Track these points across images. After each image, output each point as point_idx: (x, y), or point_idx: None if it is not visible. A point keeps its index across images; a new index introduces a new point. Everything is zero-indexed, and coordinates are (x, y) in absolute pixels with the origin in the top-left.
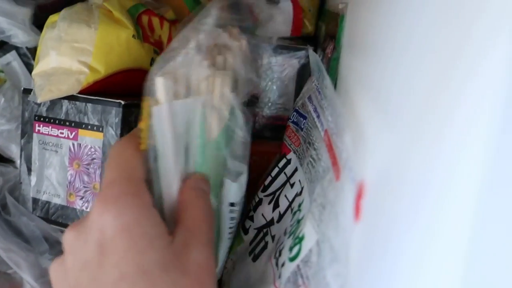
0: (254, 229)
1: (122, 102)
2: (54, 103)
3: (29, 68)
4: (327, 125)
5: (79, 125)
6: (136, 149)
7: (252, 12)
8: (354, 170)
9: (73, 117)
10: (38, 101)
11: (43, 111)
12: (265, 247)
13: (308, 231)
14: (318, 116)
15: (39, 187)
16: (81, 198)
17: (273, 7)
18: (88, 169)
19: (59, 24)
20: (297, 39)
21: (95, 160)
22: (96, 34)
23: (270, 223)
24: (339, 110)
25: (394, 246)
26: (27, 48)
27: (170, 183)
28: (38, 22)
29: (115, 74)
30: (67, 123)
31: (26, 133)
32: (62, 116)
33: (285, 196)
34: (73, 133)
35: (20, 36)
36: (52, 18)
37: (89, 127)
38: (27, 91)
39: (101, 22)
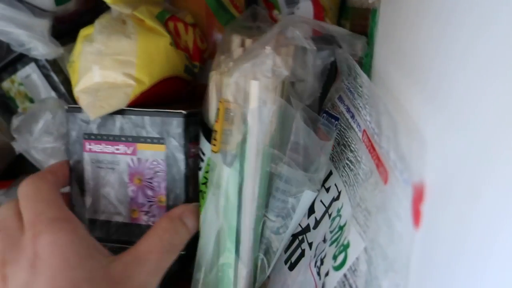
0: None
1: (184, 112)
2: (105, 119)
3: (49, 80)
4: (365, 125)
5: (136, 139)
6: (52, 186)
7: (271, 16)
8: (407, 172)
9: (129, 132)
10: (92, 119)
11: (93, 128)
12: (302, 255)
13: (354, 238)
14: (352, 117)
15: (96, 207)
16: (146, 213)
17: (292, 8)
18: (151, 183)
19: (97, 38)
20: (319, 39)
21: (158, 173)
22: (137, 44)
23: (306, 229)
24: (381, 109)
25: (459, 256)
26: (46, 60)
27: (252, 184)
28: (55, 34)
29: (156, 84)
30: (123, 139)
31: (75, 153)
32: (117, 132)
33: (321, 201)
34: (131, 148)
35: (40, 48)
36: (84, 31)
37: (149, 140)
38: (73, 110)
39: (139, 32)
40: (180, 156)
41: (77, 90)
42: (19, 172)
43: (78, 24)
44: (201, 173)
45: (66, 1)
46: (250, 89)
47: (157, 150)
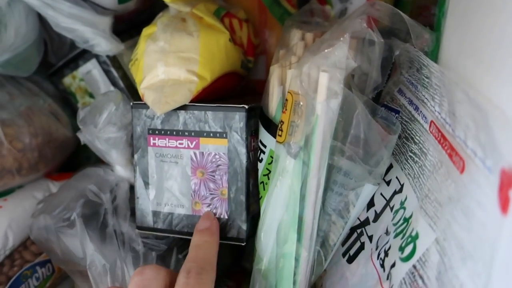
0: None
1: (246, 107)
2: (169, 115)
3: (109, 75)
4: (434, 116)
5: (199, 134)
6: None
7: (323, 11)
8: (490, 160)
9: (192, 127)
10: (158, 115)
11: (157, 124)
12: (361, 247)
13: (423, 229)
14: (416, 109)
15: (160, 200)
16: (208, 205)
17: (345, 3)
18: (213, 176)
19: (160, 36)
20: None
21: (220, 167)
22: (199, 41)
23: (365, 223)
24: (459, 97)
25: None
26: (106, 56)
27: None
28: (114, 32)
29: (217, 79)
30: (186, 133)
31: (139, 147)
32: (180, 127)
33: (381, 194)
34: (194, 143)
35: (103, 45)
36: (147, 30)
37: (211, 134)
38: (137, 106)
39: (200, 30)
40: (242, 150)
41: (142, 87)
42: (77, 165)
43: (134, 22)
44: (262, 164)
45: (128, 0)
46: (319, 80)
47: (220, 144)
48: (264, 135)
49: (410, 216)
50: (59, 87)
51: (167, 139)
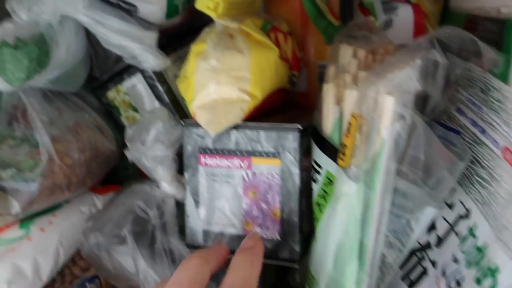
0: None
1: (300, 127)
2: (221, 134)
3: (154, 90)
4: (509, 142)
5: (252, 153)
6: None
7: (367, 23)
8: None
9: (245, 146)
10: (212, 135)
11: (208, 143)
12: (424, 273)
13: (504, 263)
14: (482, 131)
15: (210, 219)
16: (260, 226)
17: (390, 14)
18: (266, 196)
19: (211, 54)
20: None
21: (273, 187)
22: (250, 59)
23: (426, 246)
24: None
25: None
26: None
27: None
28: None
29: (267, 97)
30: (238, 153)
31: (190, 166)
32: (232, 146)
33: (443, 217)
34: (246, 162)
35: (150, 60)
36: (196, 47)
37: (264, 154)
38: (188, 125)
39: (250, 47)
40: (295, 170)
41: (194, 106)
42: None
43: (175, 35)
44: (317, 186)
45: (175, 15)
46: (386, 104)
47: (272, 164)
48: (319, 156)
49: (485, 247)
50: (102, 100)
51: (218, 158)
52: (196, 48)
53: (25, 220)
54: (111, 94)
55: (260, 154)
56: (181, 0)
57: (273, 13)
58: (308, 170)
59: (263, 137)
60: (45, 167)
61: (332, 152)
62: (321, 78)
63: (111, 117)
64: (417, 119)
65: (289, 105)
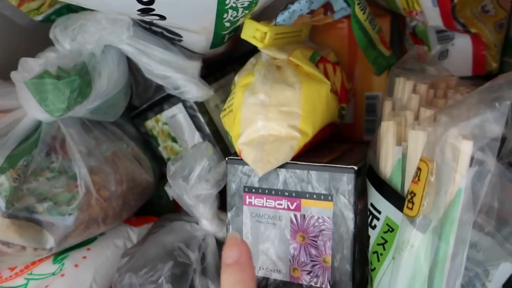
0: None
1: (355, 168)
2: (268, 173)
3: (194, 120)
4: None
5: (301, 194)
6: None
7: (420, 52)
8: None
9: (294, 187)
10: (259, 175)
11: (254, 181)
12: None
13: None
14: None
15: (254, 263)
16: (308, 273)
17: (446, 44)
18: (315, 241)
19: (259, 87)
20: (478, 79)
21: (324, 232)
22: (301, 94)
23: None
24: None
25: None
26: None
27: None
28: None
29: (317, 133)
30: (286, 193)
31: (234, 205)
32: (280, 186)
33: None
34: (295, 204)
35: (193, 91)
36: (243, 80)
37: (315, 196)
38: (233, 161)
39: (302, 81)
40: (350, 215)
41: (240, 143)
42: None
43: (216, 63)
44: (375, 232)
45: (220, 45)
46: (463, 149)
47: (324, 207)
48: (378, 200)
49: None
50: (140, 129)
51: (264, 198)
52: (243, 80)
53: (59, 254)
54: (150, 123)
55: (310, 195)
56: (228, 30)
57: (319, 41)
58: (362, 214)
59: (314, 178)
60: (82, 201)
61: (392, 195)
62: (368, 110)
63: (149, 146)
64: (495, 163)
65: (335, 139)
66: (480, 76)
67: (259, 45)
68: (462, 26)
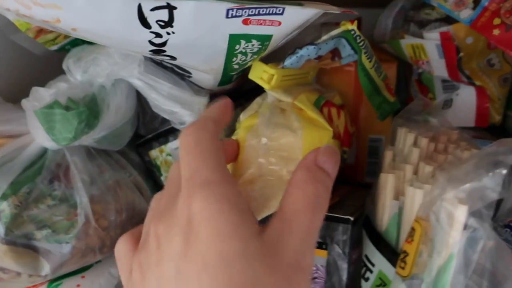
0: None
1: (351, 218)
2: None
3: None
4: None
5: None
6: (213, 136)
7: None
8: None
9: None
10: (258, 218)
11: None
12: None
13: None
14: None
15: None
16: None
17: (451, 94)
18: None
19: (262, 131)
20: (481, 130)
21: (316, 280)
22: (302, 140)
23: None
24: None
25: None
26: None
27: None
28: None
29: None
30: None
31: None
32: None
33: None
34: None
35: None
36: (247, 121)
37: None
38: None
39: (304, 127)
40: (343, 265)
41: (240, 183)
42: None
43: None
44: (368, 284)
45: (227, 83)
46: (457, 214)
47: (318, 255)
48: (372, 252)
49: None
50: (144, 158)
51: None
52: (247, 121)
53: (53, 280)
54: (154, 153)
55: None
56: (237, 70)
57: (325, 82)
58: (356, 264)
59: None
60: (80, 230)
61: (386, 249)
62: (371, 152)
63: (151, 175)
64: (489, 229)
65: (336, 179)
66: (483, 128)
67: (266, 86)
68: (467, 78)
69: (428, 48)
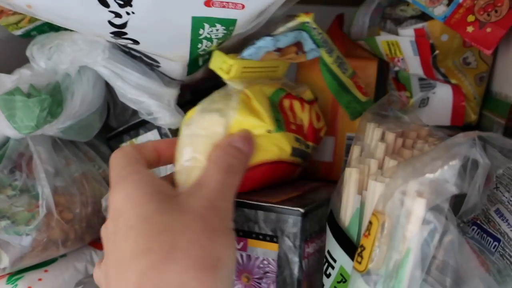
0: None
1: (302, 210)
2: None
3: None
4: None
5: (248, 234)
6: (134, 158)
7: (401, 98)
8: None
9: (241, 226)
10: None
11: None
12: None
13: None
14: None
15: None
16: None
17: (427, 92)
18: (260, 283)
19: (194, 119)
20: (455, 129)
21: (268, 274)
22: (231, 127)
23: None
24: None
25: None
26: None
27: None
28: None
29: (252, 169)
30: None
31: None
32: None
33: None
34: (241, 244)
35: (167, 118)
36: (190, 113)
37: (261, 237)
38: None
39: (239, 111)
40: (294, 259)
41: (177, 169)
42: None
43: (200, 90)
44: (329, 281)
45: (195, 71)
46: (415, 207)
47: (269, 249)
48: (334, 248)
49: None
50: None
51: None
52: (189, 113)
53: (14, 274)
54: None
55: (256, 236)
56: (203, 57)
57: (305, 78)
58: (312, 258)
59: (261, 218)
60: (41, 221)
61: (347, 245)
62: (348, 150)
63: None
64: (449, 225)
65: (309, 174)
66: (459, 126)
67: (224, 76)
68: (442, 76)
69: (402, 45)
